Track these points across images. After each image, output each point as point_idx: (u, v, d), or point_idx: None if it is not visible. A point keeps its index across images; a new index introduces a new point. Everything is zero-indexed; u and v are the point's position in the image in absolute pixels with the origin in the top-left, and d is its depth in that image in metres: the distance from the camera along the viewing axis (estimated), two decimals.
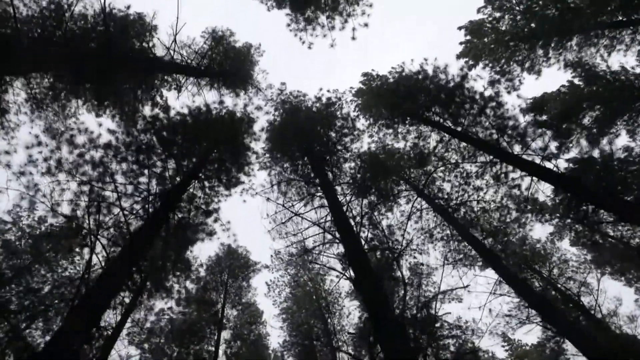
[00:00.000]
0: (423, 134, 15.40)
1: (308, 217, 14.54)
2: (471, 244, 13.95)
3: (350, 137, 15.77)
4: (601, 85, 15.00)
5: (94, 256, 10.26)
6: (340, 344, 18.67)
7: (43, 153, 10.68)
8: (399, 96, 14.74)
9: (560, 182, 9.93)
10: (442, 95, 13.66)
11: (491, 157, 13.04)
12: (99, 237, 10.48)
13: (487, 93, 13.43)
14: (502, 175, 13.49)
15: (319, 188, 14.72)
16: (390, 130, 16.40)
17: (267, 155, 16.82)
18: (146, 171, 11.88)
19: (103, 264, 16.15)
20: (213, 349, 17.26)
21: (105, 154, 11.34)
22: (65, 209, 11.54)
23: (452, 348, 15.03)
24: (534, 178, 11.98)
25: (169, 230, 16.43)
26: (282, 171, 16.48)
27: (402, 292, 10.70)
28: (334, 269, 12.02)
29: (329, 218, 13.63)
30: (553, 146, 12.23)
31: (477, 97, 13.35)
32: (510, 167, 13.23)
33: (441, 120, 14.16)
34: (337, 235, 11.27)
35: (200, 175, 13.98)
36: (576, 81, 15.87)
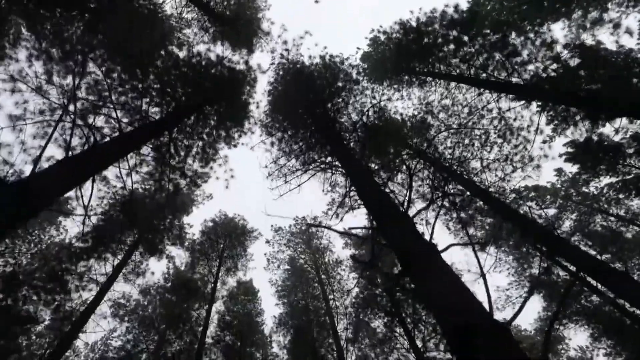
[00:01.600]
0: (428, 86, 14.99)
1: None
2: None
3: (354, 98, 15.19)
4: None
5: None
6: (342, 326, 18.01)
7: None
8: (404, 53, 14.24)
9: None
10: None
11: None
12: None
13: None
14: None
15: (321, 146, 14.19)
16: (394, 91, 15.95)
17: (269, 118, 16.18)
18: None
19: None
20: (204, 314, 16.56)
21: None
22: None
23: None
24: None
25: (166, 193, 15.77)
26: (283, 136, 15.88)
27: None
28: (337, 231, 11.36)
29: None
30: None
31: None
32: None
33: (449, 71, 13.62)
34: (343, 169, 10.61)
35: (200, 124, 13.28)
36: None
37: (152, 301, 19.53)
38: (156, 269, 19.77)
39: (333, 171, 13.38)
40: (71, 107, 7.71)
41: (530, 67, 11.17)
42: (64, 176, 5.65)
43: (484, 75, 12.37)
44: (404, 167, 12.36)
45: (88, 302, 13.19)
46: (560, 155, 13.95)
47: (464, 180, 13.34)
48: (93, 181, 7.29)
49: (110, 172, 10.76)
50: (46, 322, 13.25)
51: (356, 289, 18.16)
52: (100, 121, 10.14)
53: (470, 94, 14.12)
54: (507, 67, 11.54)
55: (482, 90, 13.06)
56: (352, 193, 12.20)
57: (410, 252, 4.97)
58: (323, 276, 19.83)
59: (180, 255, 18.49)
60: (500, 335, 3.25)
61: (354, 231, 16.59)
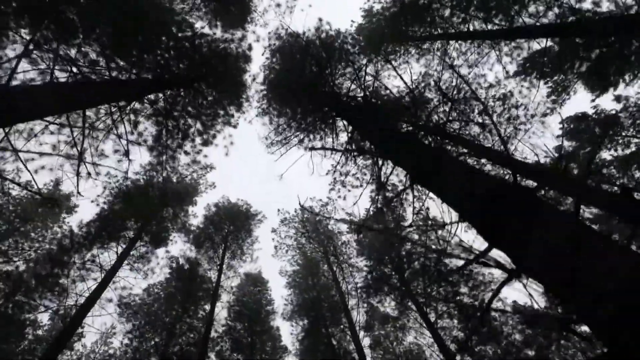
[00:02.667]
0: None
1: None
2: None
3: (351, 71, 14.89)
4: None
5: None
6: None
7: None
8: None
9: None
10: None
11: None
12: None
13: None
14: None
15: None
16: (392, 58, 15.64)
17: (264, 100, 15.96)
18: None
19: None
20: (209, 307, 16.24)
21: None
22: None
23: None
24: None
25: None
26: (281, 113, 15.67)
27: None
28: None
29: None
30: None
31: None
32: None
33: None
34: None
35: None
36: None
37: (157, 296, 19.23)
38: (161, 259, 19.35)
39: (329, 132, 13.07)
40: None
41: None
42: (50, 96, 5.33)
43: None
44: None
45: (92, 289, 12.91)
46: None
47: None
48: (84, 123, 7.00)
49: (108, 146, 10.40)
50: (52, 308, 12.97)
51: (365, 267, 17.78)
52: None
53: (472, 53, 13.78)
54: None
55: (481, 42, 12.72)
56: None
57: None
58: (332, 258, 19.42)
59: (184, 247, 18.17)
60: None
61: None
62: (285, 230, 20.54)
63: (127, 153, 10.05)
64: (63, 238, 13.14)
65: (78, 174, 8.34)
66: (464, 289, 14.95)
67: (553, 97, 13.95)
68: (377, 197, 16.93)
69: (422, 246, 16.43)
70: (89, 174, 9.08)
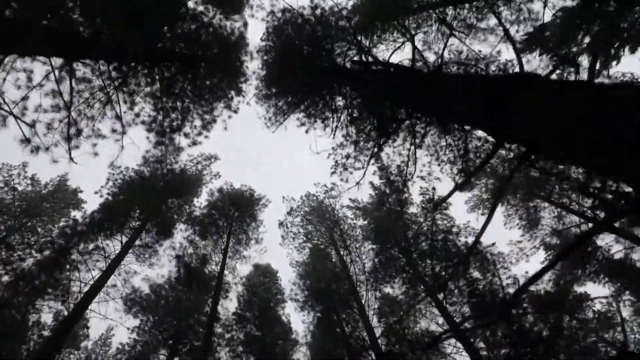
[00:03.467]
0: None
1: None
2: None
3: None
4: None
5: None
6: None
7: None
8: None
9: None
10: None
11: None
12: None
13: None
14: None
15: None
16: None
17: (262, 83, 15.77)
18: None
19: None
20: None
21: None
22: None
23: None
24: None
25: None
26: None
27: None
28: None
29: None
30: None
31: None
32: None
33: None
34: None
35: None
36: None
37: (163, 291, 19.08)
38: (167, 250, 19.26)
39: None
40: None
41: None
42: None
43: None
44: None
45: (97, 277, 12.81)
46: None
47: None
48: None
49: (105, 126, 10.24)
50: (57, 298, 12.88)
51: (372, 252, 17.44)
52: None
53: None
54: None
55: None
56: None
57: None
58: (339, 243, 19.09)
59: (189, 238, 17.95)
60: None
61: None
62: (290, 220, 20.30)
63: (121, 125, 9.85)
64: (67, 227, 13.08)
65: (69, 136, 8.18)
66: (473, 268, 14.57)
67: None
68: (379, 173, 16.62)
69: (429, 226, 16.08)
70: (78, 131, 8.87)
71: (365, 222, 19.65)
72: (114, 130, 10.22)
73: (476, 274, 14.43)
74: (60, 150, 9.47)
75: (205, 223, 17.23)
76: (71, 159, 8.61)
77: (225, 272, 16.73)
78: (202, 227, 17.05)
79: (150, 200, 16.33)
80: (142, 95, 11.01)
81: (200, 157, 19.90)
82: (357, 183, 16.28)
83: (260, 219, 19.90)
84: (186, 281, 18.69)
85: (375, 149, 16.01)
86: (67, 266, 12.51)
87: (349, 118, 16.79)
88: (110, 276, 13.42)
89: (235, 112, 15.15)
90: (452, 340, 15.55)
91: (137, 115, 11.37)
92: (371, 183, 18.45)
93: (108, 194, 16.03)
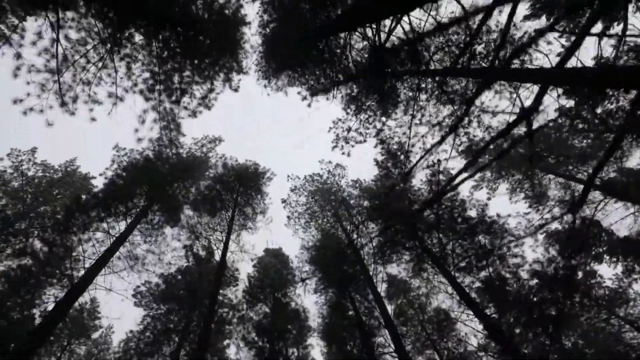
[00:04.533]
0: None
1: None
2: None
3: None
4: None
5: None
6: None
7: None
8: None
9: None
10: None
11: None
12: None
13: None
14: None
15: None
16: None
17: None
18: None
19: None
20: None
21: None
22: None
23: None
24: None
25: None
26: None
27: None
28: None
29: None
30: None
31: None
32: None
33: None
34: None
35: None
36: None
37: (173, 280, 19.08)
38: (174, 235, 19.13)
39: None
40: None
41: None
42: None
43: None
44: None
45: (102, 253, 12.80)
46: None
47: None
48: None
49: (102, 91, 10.15)
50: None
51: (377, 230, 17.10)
52: None
53: None
54: None
55: None
56: None
57: None
58: (344, 221, 18.77)
59: (194, 218, 17.89)
60: None
61: None
62: (295, 198, 20.07)
63: (115, 91, 9.74)
64: (71, 203, 13.10)
65: (61, 93, 8.09)
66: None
67: None
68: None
69: (435, 198, 15.57)
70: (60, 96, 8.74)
71: (369, 201, 19.19)
72: (110, 95, 10.12)
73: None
74: (56, 113, 9.45)
75: (210, 197, 17.06)
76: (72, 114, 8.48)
77: (231, 244, 16.52)
78: (208, 200, 16.89)
79: (155, 181, 16.30)
80: (140, 59, 10.88)
81: (204, 139, 19.85)
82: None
83: (265, 191, 19.61)
84: (196, 271, 18.70)
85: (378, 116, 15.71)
86: (72, 242, 12.54)
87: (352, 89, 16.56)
88: (115, 253, 13.41)
89: (236, 90, 15.10)
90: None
91: (135, 84, 11.29)
92: (375, 160, 18.06)
93: (113, 175, 16.07)
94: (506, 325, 11.78)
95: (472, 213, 15.70)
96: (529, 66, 11.08)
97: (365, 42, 14.35)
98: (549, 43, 10.79)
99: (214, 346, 19.62)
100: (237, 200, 17.62)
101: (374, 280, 16.87)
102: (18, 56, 8.28)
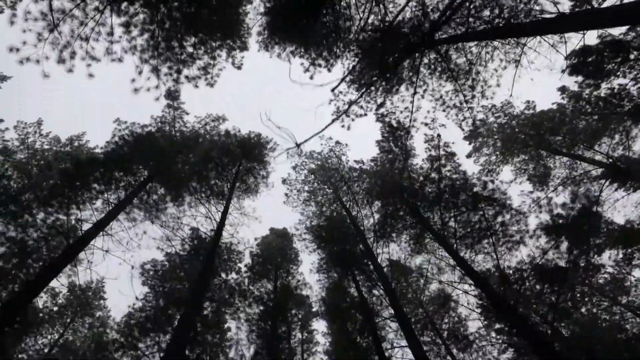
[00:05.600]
0: None
1: None
2: None
3: None
4: None
5: None
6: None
7: None
8: None
9: None
10: None
11: None
12: None
13: None
14: None
15: None
16: None
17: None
18: None
19: None
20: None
21: None
22: None
23: None
24: None
25: None
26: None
27: None
28: None
29: None
30: None
31: None
32: None
33: None
34: None
35: None
36: None
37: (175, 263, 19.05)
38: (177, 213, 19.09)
39: None
40: None
41: None
42: None
43: None
44: None
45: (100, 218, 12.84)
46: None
47: None
48: None
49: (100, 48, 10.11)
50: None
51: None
52: None
53: None
54: None
55: None
56: None
57: None
58: (345, 199, 18.58)
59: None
60: None
61: None
62: (294, 176, 19.93)
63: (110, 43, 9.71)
64: (71, 167, 13.17)
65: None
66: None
67: None
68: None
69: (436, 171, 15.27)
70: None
71: (370, 180, 18.85)
72: (107, 51, 10.09)
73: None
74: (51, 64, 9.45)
75: (211, 164, 16.83)
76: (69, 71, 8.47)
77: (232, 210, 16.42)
78: (209, 168, 16.69)
79: (157, 155, 16.32)
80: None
81: (207, 117, 19.79)
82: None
83: (267, 160, 19.43)
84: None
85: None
86: (69, 207, 12.62)
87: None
88: (114, 218, 13.48)
89: (239, 68, 15.17)
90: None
91: (135, 47, 11.26)
92: (377, 142, 17.81)
93: (114, 148, 16.13)
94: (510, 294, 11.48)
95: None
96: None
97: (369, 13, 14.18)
98: None
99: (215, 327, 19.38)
100: (239, 168, 17.50)
101: (379, 260, 16.58)
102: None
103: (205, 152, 16.94)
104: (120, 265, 19.54)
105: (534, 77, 12.85)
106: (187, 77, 13.16)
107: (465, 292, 14.62)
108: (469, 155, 22.71)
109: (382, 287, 15.70)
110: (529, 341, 8.95)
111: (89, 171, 13.15)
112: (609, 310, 16.89)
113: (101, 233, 12.40)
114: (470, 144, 22.36)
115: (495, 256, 12.64)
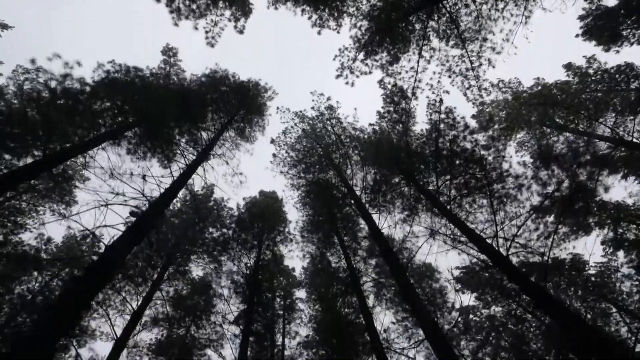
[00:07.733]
0: None
1: None
2: None
3: None
4: None
5: None
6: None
7: None
8: None
9: None
10: None
11: None
12: None
13: None
14: None
15: None
16: None
17: None
18: None
19: None
20: None
21: None
22: None
23: None
24: None
25: None
26: None
27: None
28: None
29: None
30: None
31: None
32: None
33: None
34: None
35: None
36: None
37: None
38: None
39: None
40: None
41: None
42: None
43: None
44: None
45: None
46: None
47: None
48: None
49: None
50: None
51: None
52: None
53: None
54: None
55: None
56: None
57: None
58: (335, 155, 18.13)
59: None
60: None
61: None
62: (283, 139, 19.38)
63: None
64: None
65: None
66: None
67: None
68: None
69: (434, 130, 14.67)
70: None
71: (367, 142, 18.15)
72: None
73: None
74: None
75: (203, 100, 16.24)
76: None
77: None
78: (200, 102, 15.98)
79: (148, 104, 15.63)
80: None
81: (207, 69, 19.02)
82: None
83: (265, 108, 19.16)
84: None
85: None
86: None
87: None
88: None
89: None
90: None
91: None
92: (378, 113, 17.22)
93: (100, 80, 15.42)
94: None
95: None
96: None
97: None
98: None
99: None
100: (231, 113, 16.97)
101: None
102: None
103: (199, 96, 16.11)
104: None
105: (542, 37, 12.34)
106: None
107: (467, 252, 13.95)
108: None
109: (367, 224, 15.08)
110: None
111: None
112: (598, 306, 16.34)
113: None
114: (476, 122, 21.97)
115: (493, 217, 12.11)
